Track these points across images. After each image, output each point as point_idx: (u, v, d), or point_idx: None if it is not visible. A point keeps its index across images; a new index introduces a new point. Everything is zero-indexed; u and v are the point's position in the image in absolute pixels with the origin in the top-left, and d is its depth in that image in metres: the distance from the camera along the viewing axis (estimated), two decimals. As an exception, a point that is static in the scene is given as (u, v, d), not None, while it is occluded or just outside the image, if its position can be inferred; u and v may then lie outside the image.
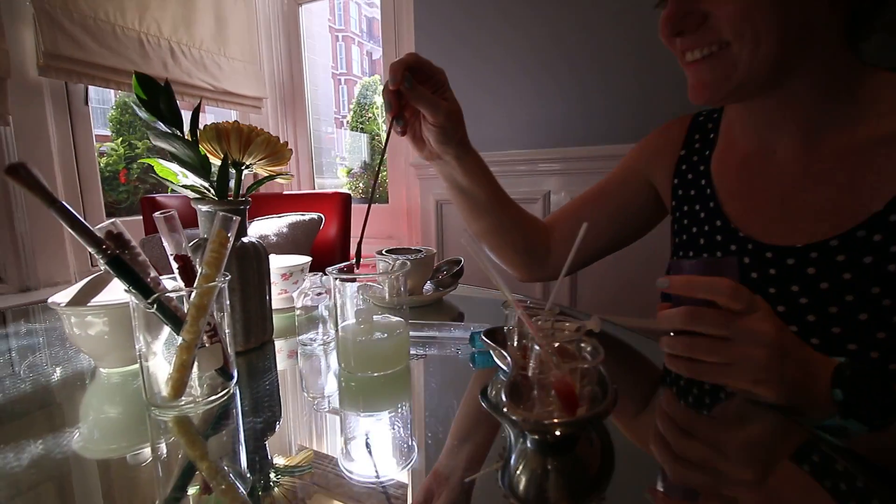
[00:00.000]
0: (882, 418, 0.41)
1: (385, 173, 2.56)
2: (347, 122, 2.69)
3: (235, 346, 0.54)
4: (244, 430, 0.42)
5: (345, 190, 2.05)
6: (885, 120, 0.51)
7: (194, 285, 0.44)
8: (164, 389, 0.44)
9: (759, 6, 0.48)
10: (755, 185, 0.61)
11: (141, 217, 1.67)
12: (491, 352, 0.52)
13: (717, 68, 0.52)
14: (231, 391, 0.47)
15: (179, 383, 0.43)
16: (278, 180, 0.63)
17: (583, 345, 0.41)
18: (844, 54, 0.52)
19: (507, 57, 1.82)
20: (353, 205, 1.96)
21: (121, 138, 2.15)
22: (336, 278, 0.50)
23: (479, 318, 0.81)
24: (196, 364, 0.44)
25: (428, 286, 0.86)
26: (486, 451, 0.40)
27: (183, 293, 0.46)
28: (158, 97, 0.48)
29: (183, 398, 0.44)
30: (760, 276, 0.57)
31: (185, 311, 0.45)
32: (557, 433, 0.37)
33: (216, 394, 0.46)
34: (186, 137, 0.51)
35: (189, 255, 0.47)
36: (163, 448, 0.39)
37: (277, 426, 0.43)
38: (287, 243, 1.59)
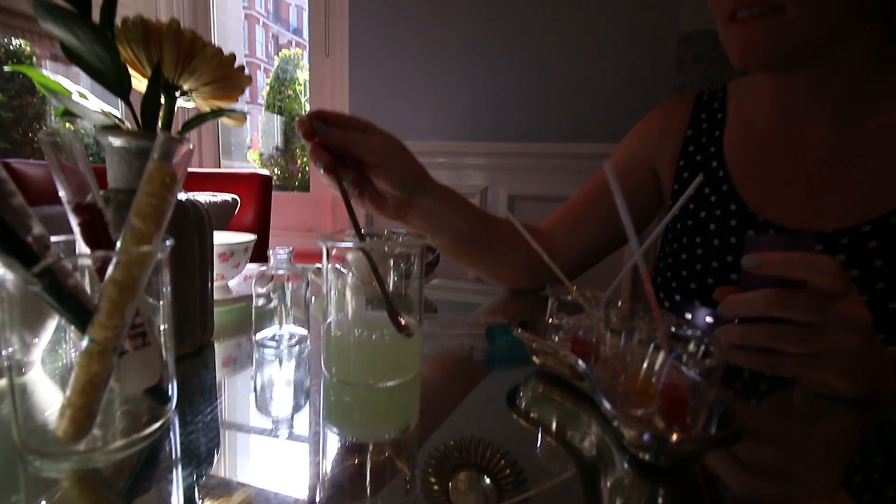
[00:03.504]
0: None
1: (306, 158, 2.32)
2: (262, 98, 2.39)
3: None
4: (184, 485, 0.25)
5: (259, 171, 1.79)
6: None
7: (117, 248, 0.27)
8: (57, 425, 0.26)
9: None
10: (777, 167, 0.58)
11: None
12: (532, 353, 0.41)
13: (772, 29, 0.48)
14: (168, 423, 0.31)
15: (84, 414, 0.25)
16: (225, 121, 0.46)
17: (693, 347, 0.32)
18: (884, 39, 0.51)
19: (443, 44, 1.72)
20: (273, 191, 1.72)
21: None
22: (332, 247, 0.35)
23: (462, 312, 0.70)
24: (114, 382, 0.27)
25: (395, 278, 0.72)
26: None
27: (86, 258, 0.28)
28: (52, -54, 0.30)
29: (87, 439, 0.26)
30: None
31: (94, 293, 0.28)
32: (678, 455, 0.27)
33: (141, 429, 0.29)
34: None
35: (101, 205, 0.29)
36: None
37: (237, 475, 0.27)
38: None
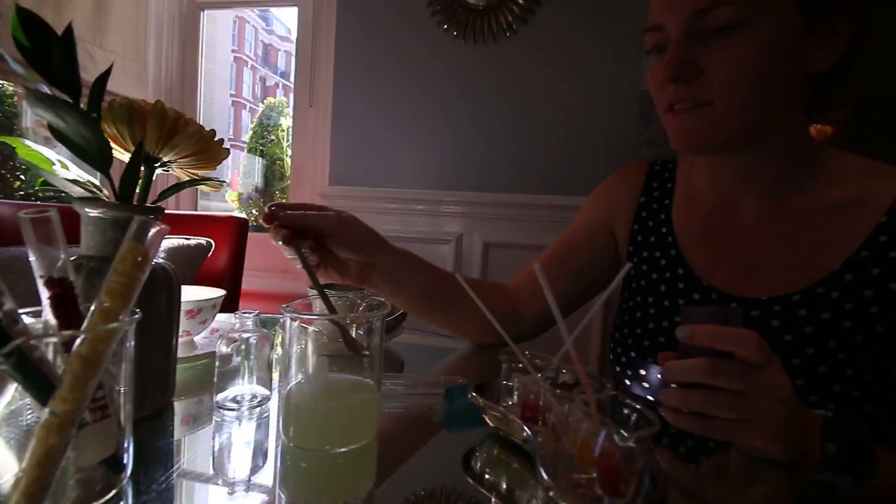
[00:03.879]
0: (869, 472, 0.41)
1: (286, 199, 2.35)
2: (245, 142, 2.44)
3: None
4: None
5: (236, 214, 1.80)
6: (835, 189, 0.56)
7: (84, 325, 0.29)
8: (9, 497, 0.26)
9: (752, 72, 0.51)
10: (718, 238, 0.63)
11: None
12: (485, 415, 0.43)
13: (702, 120, 0.54)
14: (120, 491, 0.31)
15: (38, 487, 0.26)
16: (202, 187, 0.49)
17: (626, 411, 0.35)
18: (805, 129, 0.58)
19: (423, 98, 1.81)
20: (250, 232, 1.73)
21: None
22: (296, 318, 0.37)
23: (427, 368, 0.71)
24: (71, 451, 0.28)
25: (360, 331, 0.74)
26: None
27: (55, 338, 0.29)
28: (51, 47, 0.33)
29: (38, 511, 0.27)
30: None
31: (58, 365, 0.29)
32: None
33: (94, 499, 0.29)
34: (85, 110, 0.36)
35: (72, 278, 0.31)
36: None
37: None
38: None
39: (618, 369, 0.69)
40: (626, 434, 0.32)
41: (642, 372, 0.65)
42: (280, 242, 0.51)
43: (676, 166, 0.72)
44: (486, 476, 0.38)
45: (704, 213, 0.65)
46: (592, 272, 0.76)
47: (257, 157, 2.43)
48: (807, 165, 0.58)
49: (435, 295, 0.68)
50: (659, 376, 0.63)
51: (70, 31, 0.34)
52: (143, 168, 0.43)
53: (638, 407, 0.34)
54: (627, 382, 0.67)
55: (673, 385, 0.43)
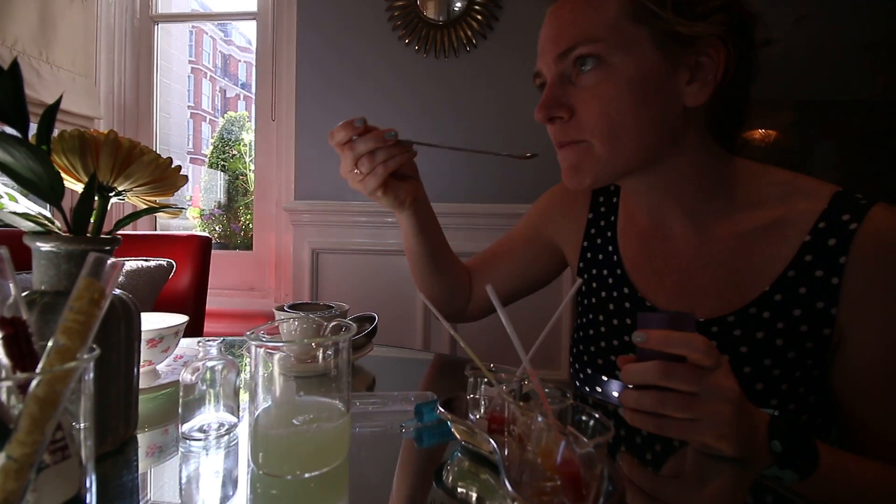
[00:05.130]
0: (811, 468, 0.44)
1: (249, 216, 2.31)
2: (206, 156, 2.38)
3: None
4: None
5: (198, 233, 1.75)
6: (758, 211, 0.56)
7: (40, 366, 0.28)
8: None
9: (619, 111, 0.52)
10: (656, 260, 0.64)
11: None
12: (454, 429, 0.44)
13: (586, 157, 0.55)
14: (83, 531, 0.30)
15: (-7, 536, 0.26)
16: (160, 215, 0.48)
17: (584, 417, 0.37)
18: (707, 150, 0.57)
19: (386, 111, 1.82)
20: (213, 250, 1.69)
21: None
22: (261, 346, 0.38)
23: (398, 383, 0.72)
24: (30, 494, 0.27)
25: (329, 352, 0.74)
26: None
27: (9, 381, 0.29)
28: (-5, 81, 0.32)
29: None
30: None
31: (12, 405, 0.28)
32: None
33: (57, 540, 0.29)
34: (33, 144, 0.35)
35: (24, 317, 0.30)
36: None
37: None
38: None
39: (577, 384, 0.71)
40: (585, 440, 0.33)
41: (598, 389, 0.66)
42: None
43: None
44: (458, 489, 0.39)
45: (642, 234, 0.66)
46: (528, 273, 0.80)
47: (219, 172, 2.37)
48: (721, 190, 0.58)
49: (443, 255, 0.76)
50: (615, 393, 0.65)
51: (16, 66, 0.33)
52: (97, 198, 0.42)
53: (596, 414, 0.36)
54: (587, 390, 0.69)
55: (630, 386, 0.45)
